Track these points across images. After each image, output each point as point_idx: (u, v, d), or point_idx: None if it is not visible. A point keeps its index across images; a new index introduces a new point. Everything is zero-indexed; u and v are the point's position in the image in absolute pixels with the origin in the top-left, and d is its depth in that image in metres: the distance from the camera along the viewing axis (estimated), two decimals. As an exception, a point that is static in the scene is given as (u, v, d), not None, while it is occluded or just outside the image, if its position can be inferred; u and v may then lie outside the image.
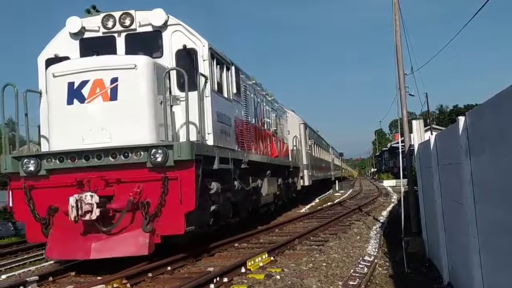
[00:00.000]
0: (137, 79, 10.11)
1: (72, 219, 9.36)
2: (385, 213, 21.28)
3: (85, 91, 10.00)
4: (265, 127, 18.60)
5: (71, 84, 10.05)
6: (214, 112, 11.57)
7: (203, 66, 11.36)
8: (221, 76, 12.67)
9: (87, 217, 9.40)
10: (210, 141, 11.25)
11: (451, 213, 7.45)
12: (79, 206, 9.33)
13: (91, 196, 9.45)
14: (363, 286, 8.23)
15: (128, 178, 9.84)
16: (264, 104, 18.87)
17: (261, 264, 10.03)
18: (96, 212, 9.42)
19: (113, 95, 9.99)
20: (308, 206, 27.95)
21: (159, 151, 9.63)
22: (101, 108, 10.03)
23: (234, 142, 13.33)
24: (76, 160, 9.99)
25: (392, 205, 25.56)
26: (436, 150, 8.40)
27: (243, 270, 9.46)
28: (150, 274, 9.32)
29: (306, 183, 27.33)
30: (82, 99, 10.00)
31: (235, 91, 13.83)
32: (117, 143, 9.87)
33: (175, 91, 11.26)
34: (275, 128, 20.50)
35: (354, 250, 11.82)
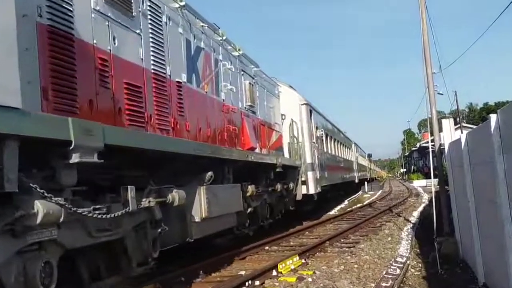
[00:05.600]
0: None
1: None
2: (416, 213, 21.07)
3: None
4: (223, 97, 11.61)
5: None
6: None
7: None
8: None
9: None
10: None
11: (484, 212, 7.34)
12: None
13: None
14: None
15: None
16: (220, 58, 11.76)
17: (292, 267, 10.03)
18: None
19: None
20: (338, 208, 27.79)
21: None
22: None
23: (38, 102, 5.22)
24: None
25: (423, 205, 25.27)
26: (467, 149, 8.29)
27: (274, 273, 9.50)
28: (182, 278, 9.36)
29: (311, 191, 18.49)
30: None
31: None
32: None
33: None
34: (249, 104, 13.57)
35: (386, 251, 11.74)
